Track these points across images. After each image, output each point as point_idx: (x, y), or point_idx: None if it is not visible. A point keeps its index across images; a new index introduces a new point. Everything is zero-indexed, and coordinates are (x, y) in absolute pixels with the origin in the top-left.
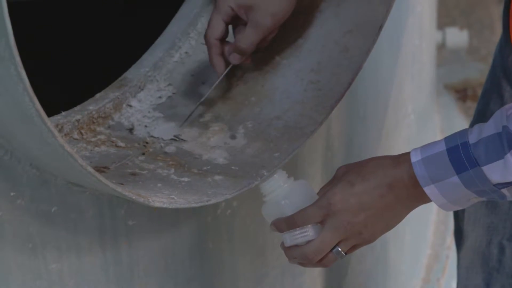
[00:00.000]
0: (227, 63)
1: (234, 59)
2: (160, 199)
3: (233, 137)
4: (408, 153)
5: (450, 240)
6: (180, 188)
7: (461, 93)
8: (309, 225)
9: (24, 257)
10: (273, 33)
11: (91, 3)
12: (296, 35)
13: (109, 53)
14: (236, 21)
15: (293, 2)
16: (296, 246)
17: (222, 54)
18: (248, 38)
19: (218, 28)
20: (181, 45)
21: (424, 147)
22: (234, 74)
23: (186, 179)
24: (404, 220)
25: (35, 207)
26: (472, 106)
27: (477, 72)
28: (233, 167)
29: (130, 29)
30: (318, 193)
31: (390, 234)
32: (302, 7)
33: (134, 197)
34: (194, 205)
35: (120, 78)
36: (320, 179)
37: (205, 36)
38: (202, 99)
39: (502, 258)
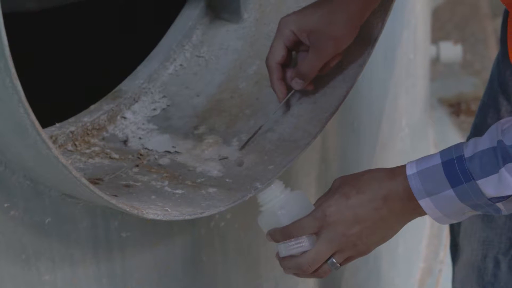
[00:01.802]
0: (288, 88)
1: (297, 84)
2: (154, 211)
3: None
4: (403, 166)
5: (443, 254)
6: (174, 200)
7: (455, 107)
8: (304, 236)
9: (17, 268)
10: (336, 59)
11: (86, 14)
12: None
13: (104, 64)
14: (298, 46)
15: (357, 28)
16: (291, 256)
17: (284, 79)
18: (310, 62)
19: (279, 52)
20: (176, 57)
21: (419, 160)
22: (293, 96)
23: (180, 191)
24: (397, 234)
25: (29, 218)
26: (466, 120)
27: (471, 86)
28: (227, 180)
29: (125, 41)
30: (314, 204)
31: (383, 247)
32: None
33: (128, 209)
34: (188, 217)
35: (114, 90)
36: (314, 191)
37: (267, 61)
38: (263, 124)
39: (497, 272)
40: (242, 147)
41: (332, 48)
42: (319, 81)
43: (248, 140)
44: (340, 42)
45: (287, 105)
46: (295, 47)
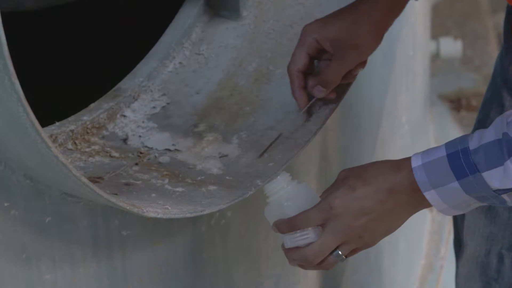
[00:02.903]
0: (309, 96)
1: (318, 92)
2: (154, 209)
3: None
4: (408, 158)
5: (445, 250)
6: (174, 198)
7: (455, 103)
8: (310, 228)
9: (18, 267)
10: (360, 67)
11: (86, 13)
12: (290, 45)
13: (103, 63)
14: (321, 54)
15: (380, 36)
16: (297, 248)
17: (305, 87)
18: (333, 70)
19: (301, 60)
20: (175, 55)
21: (424, 153)
22: (314, 104)
23: (180, 189)
24: (398, 230)
25: (29, 218)
26: (466, 116)
27: (471, 82)
28: (227, 177)
29: (124, 39)
30: (320, 197)
31: (384, 243)
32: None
33: (128, 207)
34: (188, 215)
35: (114, 88)
36: (315, 188)
37: (288, 68)
38: (282, 132)
39: (501, 268)
40: (261, 155)
41: (356, 56)
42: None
43: (267, 148)
44: (363, 51)
45: (309, 113)
46: (317, 55)
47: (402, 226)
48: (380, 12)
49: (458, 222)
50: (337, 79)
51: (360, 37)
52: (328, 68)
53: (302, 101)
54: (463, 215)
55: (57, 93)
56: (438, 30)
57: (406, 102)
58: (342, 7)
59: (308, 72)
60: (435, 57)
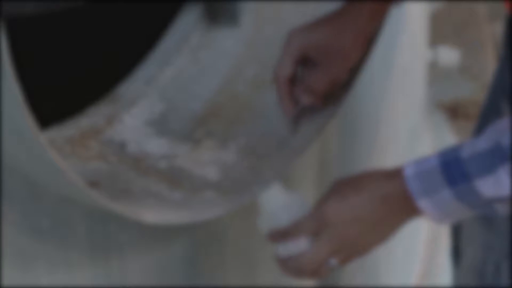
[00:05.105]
0: (296, 103)
1: (306, 100)
2: (151, 215)
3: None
4: (401, 167)
5: (441, 258)
6: (171, 204)
7: (453, 112)
8: (303, 236)
9: (14, 272)
10: (346, 74)
11: (85, 18)
12: None
13: (102, 68)
14: (306, 60)
15: (365, 43)
16: (290, 257)
17: (292, 94)
18: (320, 78)
19: (287, 67)
20: (174, 61)
21: (417, 161)
22: (301, 113)
23: (178, 195)
24: (395, 237)
25: (27, 222)
26: (464, 124)
27: (469, 91)
28: (225, 184)
29: (122, 44)
30: (313, 206)
31: (380, 251)
32: None
33: (125, 213)
34: (185, 221)
35: (112, 94)
36: (312, 195)
37: (275, 76)
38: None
39: (498, 276)
40: None
41: (341, 64)
42: None
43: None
44: (348, 58)
45: (296, 122)
46: (303, 62)
47: (399, 234)
48: (365, 19)
49: (456, 231)
50: (324, 87)
51: (345, 43)
52: (314, 76)
53: (290, 109)
54: (460, 224)
55: (54, 97)
56: (436, 38)
57: (403, 110)
58: (328, 14)
59: (294, 78)
60: (433, 65)
